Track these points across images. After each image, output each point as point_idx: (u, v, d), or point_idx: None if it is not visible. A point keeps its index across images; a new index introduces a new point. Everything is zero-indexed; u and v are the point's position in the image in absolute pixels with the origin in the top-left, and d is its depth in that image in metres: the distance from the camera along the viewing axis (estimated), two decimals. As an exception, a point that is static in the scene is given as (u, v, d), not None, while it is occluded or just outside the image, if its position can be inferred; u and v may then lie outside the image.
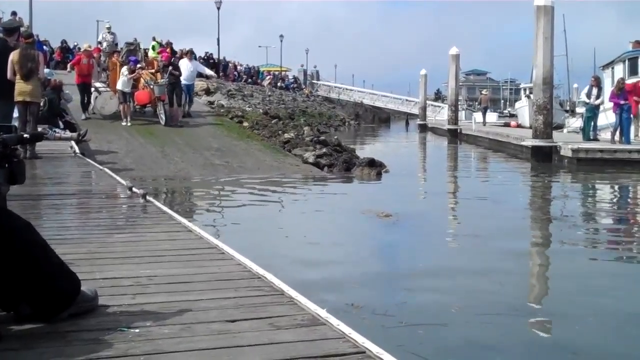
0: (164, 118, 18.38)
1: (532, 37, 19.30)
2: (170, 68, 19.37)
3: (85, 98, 18.69)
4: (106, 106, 19.14)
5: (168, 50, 26.59)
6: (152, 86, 18.54)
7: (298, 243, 8.02)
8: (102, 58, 22.83)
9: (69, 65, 20.45)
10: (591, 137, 20.08)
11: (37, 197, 7.10)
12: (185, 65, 20.34)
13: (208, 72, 26.25)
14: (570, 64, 50.39)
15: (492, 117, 48.66)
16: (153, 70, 20.04)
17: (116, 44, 25.10)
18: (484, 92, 43.54)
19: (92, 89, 19.11)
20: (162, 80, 18.91)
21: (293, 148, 17.71)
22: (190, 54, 22.03)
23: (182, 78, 19.69)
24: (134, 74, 18.59)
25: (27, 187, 7.89)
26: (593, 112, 20.47)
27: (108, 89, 19.90)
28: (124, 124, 18.01)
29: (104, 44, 24.06)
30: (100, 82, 20.68)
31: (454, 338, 4.70)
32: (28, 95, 11.11)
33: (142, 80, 18.91)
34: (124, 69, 18.54)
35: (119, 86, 18.33)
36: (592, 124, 20.37)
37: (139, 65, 19.53)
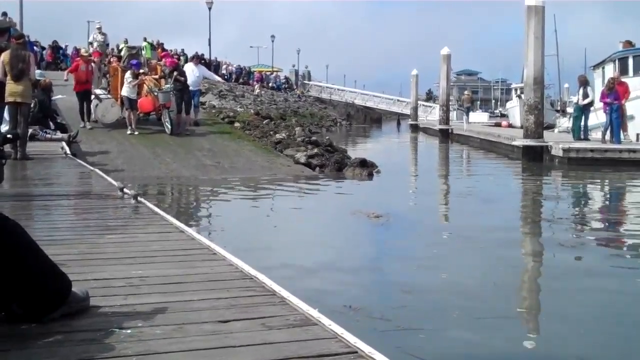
0: (169, 127, 17.36)
1: (523, 37, 19.38)
2: (175, 74, 18.29)
3: (85, 106, 17.63)
4: (107, 114, 17.94)
5: (159, 50, 26.50)
6: (156, 93, 17.56)
7: (289, 244, 8.02)
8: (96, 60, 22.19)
9: (65, 73, 19.07)
10: (582, 137, 20.17)
11: (28, 198, 7.08)
12: (190, 71, 19.23)
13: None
14: (561, 63, 50.63)
15: (483, 117, 49.06)
16: (157, 76, 19.06)
17: (107, 45, 25.00)
18: (466, 92, 44.37)
19: (92, 97, 17.99)
20: (166, 86, 17.94)
21: (284, 148, 17.70)
22: (197, 59, 20.96)
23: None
24: (137, 80, 17.54)
25: (18, 188, 7.90)
26: (580, 111, 20.56)
27: (109, 95, 18.63)
28: (128, 132, 17.02)
29: (95, 44, 23.96)
30: (101, 88, 19.38)
31: (453, 342, 4.65)
32: (19, 96, 11.09)
33: (145, 87, 17.89)
34: (128, 74, 17.47)
35: (124, 93, 17.30)
36: (582, 123, 20.45)
37: (141, 71, 18.44)
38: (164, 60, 22.70)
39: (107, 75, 20.10)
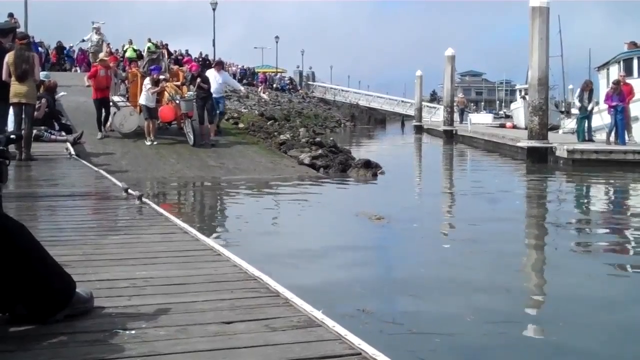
0: (192, 137, 16.18)
1: (528, 38, 19.36)
2: (199, 80, 17.08)
3: (103, 114, 16.38)
4: (125, 123, 16.66)
5: (166, 49, 26.42)
6: (178, 101, 16.30)
7: (293, 245, 7.99)
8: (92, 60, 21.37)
9: (86, 79, 17.63)
10: (586, 138, 20.15)
11: (33, 199, 7.08)
12: (212, 77, 17.92)
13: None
14: (566, 64, 50.50)
15: (487, 118, 49.08)
16: (178, 83, 17.73)
17: (99, 44, 24.77)
18: (460, 95, 45.64)
19: (111, 104, 16.75)
20: (189, 93, 16.69)
21: (289, 149, 17.70)
22: (220, 65, 19.98)
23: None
24: (158, 87, 16.39)
25: (23, 189, 7.91)
26: (586, 113, 20.54)
27: (128, 103, 17.50)
28: (148, 143, 16.02)
29: (89, 44, 23.85)
30: (119, 95, 18.35)
31: (465, 347, 4.61)
32: (23, 96, 11.11)
33: (166, 94, 16.76)
34: (147, 81, 16.37)
35: (142, 101, 16.31)
36: (586, 125, 20.44)
37: (162, 77, 17.09)
38: (186, 65, 21.68)
39: (126, 82, 19.14)
